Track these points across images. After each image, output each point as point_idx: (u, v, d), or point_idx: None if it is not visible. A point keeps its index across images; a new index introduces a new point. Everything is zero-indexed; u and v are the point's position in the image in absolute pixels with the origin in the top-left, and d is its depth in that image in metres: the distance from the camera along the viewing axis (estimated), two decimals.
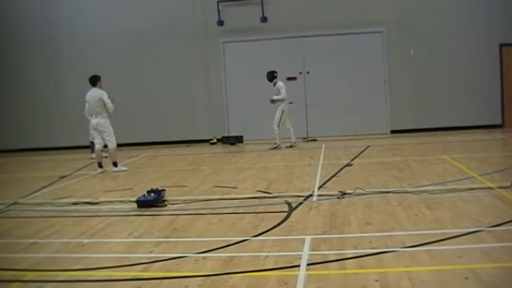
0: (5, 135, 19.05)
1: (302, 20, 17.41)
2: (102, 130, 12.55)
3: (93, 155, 14.13)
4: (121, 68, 14.73)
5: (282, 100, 15.38)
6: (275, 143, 15.44)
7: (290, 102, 15.64)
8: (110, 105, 12.46)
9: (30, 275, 5.49)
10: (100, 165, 12.61)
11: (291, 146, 15.47)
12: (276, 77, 15.61)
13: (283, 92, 15.35)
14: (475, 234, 5.89)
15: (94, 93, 12.55)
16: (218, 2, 17.87)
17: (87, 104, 12.95)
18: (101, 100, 12.42)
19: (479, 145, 13.84)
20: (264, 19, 17.72)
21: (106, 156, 12.99)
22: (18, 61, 19.00)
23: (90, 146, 15.71)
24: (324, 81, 17.56)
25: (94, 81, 12.66)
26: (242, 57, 17.75)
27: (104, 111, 12.51)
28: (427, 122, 17.18)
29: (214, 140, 17.73)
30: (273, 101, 15.70)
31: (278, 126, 15.36)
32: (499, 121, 17.18)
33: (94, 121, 12.62)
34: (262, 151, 14.99)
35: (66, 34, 18.61)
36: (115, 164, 12.63)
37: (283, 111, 15.41)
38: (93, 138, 13.73)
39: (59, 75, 18.68)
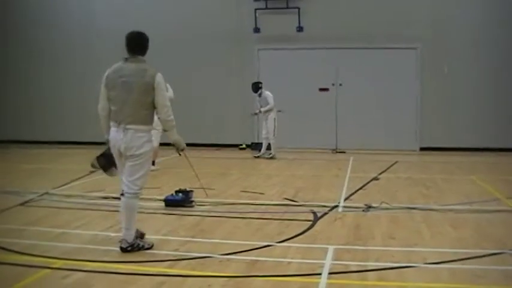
0: (40, 127, 19.42)
1: (338, 31, 17.45)
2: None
3: None
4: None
5: (271, 110, 15.43)
6: (271, 153, 15.46)
7: (278, 111, 15.67)
8: None
9: (59, 263, 5.67)
10: (153, 164, 12.82)
11: (258, 157, 15.55)
12: (261, 88, 15.60)
13: (271, 101, 15.37)
14: (497, 255, 5.92)
15: None
16: (255, 10, 18.00)
17: None
18: None
19: (508, 167, 13.74)
20: (299, 28, 17.82)
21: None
22: (55, 55, 19.36)
23: None
24: (356, 94, 17.58)
25: None
26: (276, 65, 17.84)
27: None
28: (457, 141, 17.08)
29: (244, 146, 17.84)
30: (256, 114, 15.86)
31: (274, 135, 15.41)
32: None
33: None
34: (290, 159, 15.06)
35: (102, 36, 18.89)
36: (153, 163, 12.78)
37: (274, 119, 15.46)
38: None
39: (96, 73, 18.91)
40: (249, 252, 6.09)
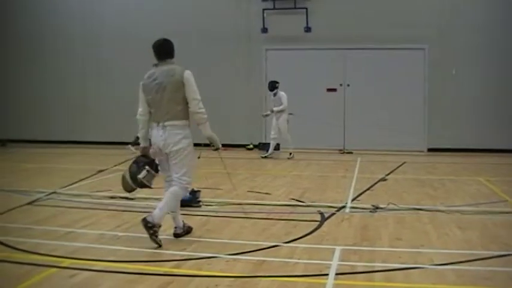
0: (48, 126, 19.50)
1: (346, 32, 17.44)
2: None
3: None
4: None
5: (283, 110, 15.45)
6: (290, 153, 15.50)
7: (290, 113, 15.67)
8: None
9: (66, 262, 5.69)
10: None
11: (265, 157, 15.61)
12: (277, 87, 15.57)
13: (285, 101, 15.38)
14: (504, 257, 5.90)
15: None
16: (263, 10, 18.01)
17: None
18: None
19: None
20: (307, 29, 17.81)
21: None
22: (61, 58, 19.45)
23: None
24: (364, 95, 17.57)
25: None
26: (284, 65, 17.82)
27: None
28: (465, 142, 17.03)
29: (251, 146, 17.85)
30: (267, 115, 15.95)
31: (288, 136, 15.53)
32: None
33: None
34: (297, 160, 15.06)
35: (112, 36, 18.96)
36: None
37: (287, 120, 15.51)
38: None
39: (106, 73, 19.03)
40: (256, 252, 6.10)
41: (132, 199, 9.08)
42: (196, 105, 6.59)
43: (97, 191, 9.86)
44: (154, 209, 6.44)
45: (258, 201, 9.05)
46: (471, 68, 17.04)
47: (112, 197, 9.23)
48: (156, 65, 6.78)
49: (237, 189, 9.55)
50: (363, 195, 9.61)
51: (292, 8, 17.79)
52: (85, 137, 19.06)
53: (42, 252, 6.03)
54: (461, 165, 14.03)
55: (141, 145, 6.78)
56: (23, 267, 5.52)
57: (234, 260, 5.83)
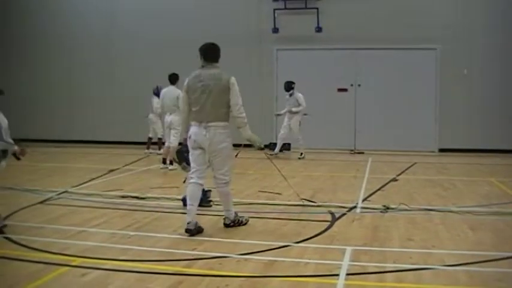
0: (59, 126, 19.60)
1: (357, 32, 17.41)
2: (173, 127, 12.82)
3: (161, 151, 14.71)
4: (174, 70, 14.96)
5: (298, 112, 15.51)
6: (301, 153, 15.55)
7: (305, 114, 15.69)
8: None
9: (78, 261, 5.71)
10: (164, 162, 12.97)
11: (271, 155, 15.52)
12: (293, 88, 15.63)
13: (303, 102, 15.47)
14: None
15: (171, 91, 12.88)
16: (274, 10, 18.01)
17: (161, 101, 13.19)
18: (177, 99, 12.74)
19: None
20: (318, 29, 17.80)
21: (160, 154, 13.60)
22: (74, 58, 19.57)
23: (147, 142, 16.35)
24: (375, 95, 17.54)
25: (174, 79, 13.06)
26: (295, 66, 17.80)
27: (178, 109, 12.83)
28: (477, 142, 16.97)
29: (262, 146, 17.79)
30: (279, 115, 16.12)
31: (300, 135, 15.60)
32: None
33: (168, 118, 12.87)
34: (308, 160, 15.05)
35: (124, 38, 19.04)
36: (172, 162, 12.90)
37: (300, 121, 15.58)
38: (162, 135, 14.94)
39: (115, 74, 19.10)
40: (267, 252, 6.10)
41: (143, 198, 9.12)
42: (238, 110, 7.04)
43: (108, 191, 9.90)
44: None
45: (269, 201, 9.04)
46: (483, 68, 16.98)
47: (123, 197, 9.27)
48: (202, 67, 7.20)
49: (296, 191, 9.51)
50: (373, 196, 9.59)
51: (303, 8, 17.79)
52: (96, 137, 19.14)
53: (53, 250, 6.06)
54: (472, 166, 13.98)
55: (183, 136, 7.41)
56: (35, 266, 5.54)
57: (245, 259, 5.83)
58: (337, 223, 7.55)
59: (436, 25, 17.02)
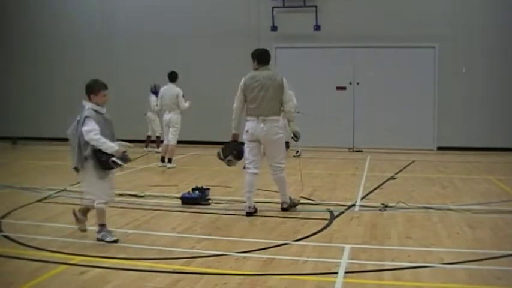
0: (58, 124, 19.54)
1: (355, 30, 17.41)
2: (172, 126, 12.87)
3: (159, 149, 14.76)
4: (172, 67, 15.00)
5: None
6: (297, 151, 15.48)
7: (297, 112, 15.65)
8: (183, 104, 12.82)
9: (76, 259, 5.72)
10: (163, 160, 12.97)
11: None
12: None
13: (294, 100, 15.37)
14: None
15: (171, 89, 12.92)
16: (273, 8, 18.00)
17: (160, 99, 13.20)
18: (177, 97, 12.76)
19: None
20: (317, 27, 17.79)
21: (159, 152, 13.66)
22: (69, 58, 19.56)
23: (146, 140, 16.40)
24: (373, 93, 17.55)
25: (173, 77, 13.06)
26: (293, 64, 17.79)
27: (178, 107, 12.85)
28: (475, 140, 16.99)
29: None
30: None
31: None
32: None
33: (167, 116, 12.94)
34: (307, 158, 15.05)
35: (123, 36, 19.03)
36: (170, 161, 12.90)
37: None
38: (161, 133, 15.15)
39: (114, 71, 19.08)
40: (265, 250, 6.10)
41: (142, 197, 9.12)
42: (291, 106, 8.16)
43: None
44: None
45: (268, 199, 9.03)
46: (481, 66, 16.99)
47: (122, 195, 9.23)
48: (256, 69, 8.12)
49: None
50: (372, 194, 9.60)
51: (302, 6, 17.78)
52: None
53: (52, 249, 6.05)
54: (471, 164, 13.99)
55: (233, 132, 8.25)
56: (34, 264, 5.54)
57: (244, 258, 5.83)
58: (335, 221, 7.55)
59: (434, 23, 17.03)
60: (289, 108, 8.10)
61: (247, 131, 7.98)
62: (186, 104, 12.99)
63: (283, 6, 17.91)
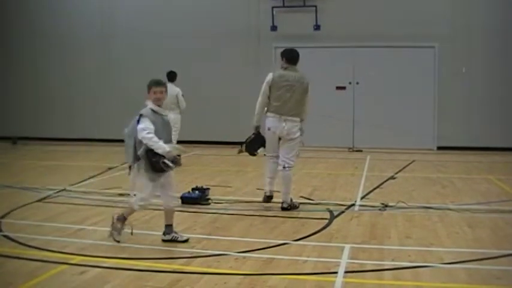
0: (57, 124, 19.59)
1: (355, 30, 17.40)
2: (172, 126, 12.77)
3: None
4: (172, 67, 15.04)
5: None
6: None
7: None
8: (183, 103, 12.79)
9: (77, 259, 5.73)
10: None
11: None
12: None
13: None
14: None
15: (170, 89, 12.73)
16: (272, 8, 17.99)
17: None
18: (176, 96, 12.72)
19: None
20: (317, 27, 17.78)
21: None
22: (70, 57, 19.54)
23: None
24: (373, 93, 17.53)
25: (172, 77, 13.03)
26: None
27: (177, 107, 12.80)
28: (475, 140, 16.98)
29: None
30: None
31: None
32: None
33: None
34: (306, 157, 15.03)
35: (123, 35, 19.01)
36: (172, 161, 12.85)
37: None
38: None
39: (112, 70, 19.09)
40: (265, 250, 6.11)
41: None
42: (308, 107, 8.51)
43: (107, 189, 9.90)
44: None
45: None
46: (481, 66, 16.96)
47: (121, 194, 9.26)
48: (285, 68, 8.51)
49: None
50: (372, 194, 9.61)
51: (302, 6, 17.76)
52: (94, 135, 19.13)
53: (52, 249, 6.06)
54: (471, 164, 13.99)
55: (256, 124, 8.65)
56: (34, 264, 5.55)
57: (243, 257, 5.84)
58: (335, 221, 7.56)
59: (434, 23, 17.01)
60: (307, 110, 8.48)
61: (269, 129, 8.35)
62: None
63: (283, 6, 17.89)
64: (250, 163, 13.83)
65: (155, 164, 6.15)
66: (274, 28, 18.06)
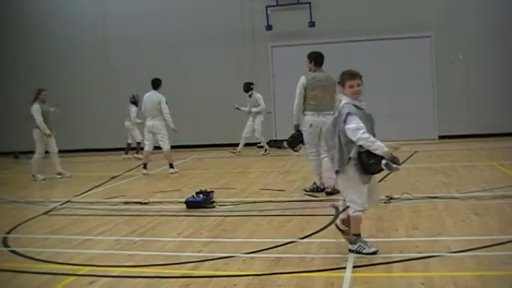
0: (59, 137, 19.59)
1: (350, 24, 17.42)
2: (157, 132, 12.75)
3: (139, 155, 14.83)
4: (169, 71, 15.06)
5: (260, 111, 15.98)
6: (266, 149, 16.09)
7: (268, 112, 16.31)
8: (167, 111, 12.64)
9: (85, 270, 5.71)
10: (145, 167, 12.85)
11: (233, 152, 16.14)
12: (252, 89, 15.99)
13: (262, 102, 16.00)
14: None
15: (153, 96, 12.78)
16: (267, 7, 18.01)
17: (143, 105, 13.14)
18: (159, 103, 12.65)
19: None
20: (311, 24, 17.80)
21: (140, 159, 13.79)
22: (69, 69, 19.59)
23: (126, 147, 16.58)
24: (372, 86, 17.38)
25: (156, 84, 12.91)
26: (290, 62, 17.70)
27: (161, 114, 12.71)
28: (476, 127, 16.98)
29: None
30: (237, 109, 16.28)
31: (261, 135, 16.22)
32: None
33: (150, 123, 12.79)
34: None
35: (118, 44, 19.04)
36: (171, 166, 12.77)
37: (262, 121, 16.06)
38: (141, 140, 15.12)
39: (108, 79, 19.10)
40: (273, 249, 6.09)
41: (146, 203, 9.11)
42: (336, 103, 8.40)
43: (111, 198, 9.90)
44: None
45: (272, 199, 9.04)
46: (478, 53, 16.97)
47: (126, 203, 9.26)
48: (314, 71, 9.39)
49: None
50: None
51: (295, 4, 17.79)
52: (96, 145, 19.15)
53: (60, 261, 6.05)
54: (473, 151, 13.98)
55: (296, 123, 9.48)
56: (43, 277, 5.54)
57: (251, 258, 5.82)
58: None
59: (428, 12, 17.03)
60: (336, 105, 8.63)
61: (311, 125, 9.13)
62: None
63: (277, 5, 17.92)
64: (252, 164, 13.86)
65: (373, 166, 5.69)
66: (269, 27, 18.10)
